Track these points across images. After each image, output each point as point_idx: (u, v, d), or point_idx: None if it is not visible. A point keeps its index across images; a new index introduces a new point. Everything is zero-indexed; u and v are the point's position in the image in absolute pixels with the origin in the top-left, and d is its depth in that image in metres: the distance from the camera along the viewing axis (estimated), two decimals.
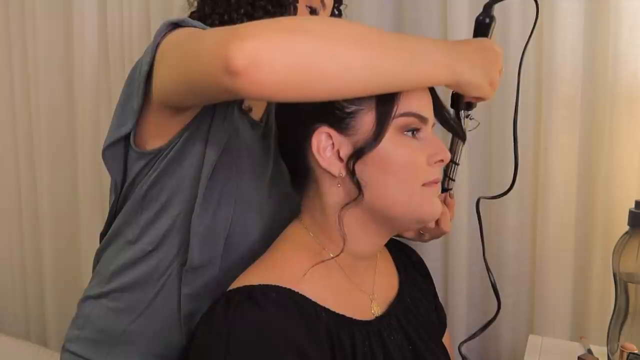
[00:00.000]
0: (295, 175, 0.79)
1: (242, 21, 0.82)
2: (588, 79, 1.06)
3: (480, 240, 0.90)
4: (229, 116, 0.79)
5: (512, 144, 0.81)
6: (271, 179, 0.85)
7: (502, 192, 0.88)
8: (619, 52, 1.02)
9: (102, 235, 0.89)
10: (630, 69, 1.02)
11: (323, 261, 0.73)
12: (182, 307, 0.81)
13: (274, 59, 0.57)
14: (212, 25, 0.82)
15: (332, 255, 0.74)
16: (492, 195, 0.91)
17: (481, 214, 0.90)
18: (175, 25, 0.74)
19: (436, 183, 0.75)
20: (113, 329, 0.84)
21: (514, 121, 0.81)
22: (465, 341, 0.79)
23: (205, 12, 0.84)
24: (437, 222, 0.86)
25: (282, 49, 0.58)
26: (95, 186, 1.62)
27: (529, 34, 0.80)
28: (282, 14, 0.83)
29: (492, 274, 0.78)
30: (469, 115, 0.84)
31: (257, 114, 0.87)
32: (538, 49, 1.08)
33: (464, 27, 1.11)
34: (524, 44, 1.08)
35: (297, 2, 0.85)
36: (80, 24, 1.55)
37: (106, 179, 1.43)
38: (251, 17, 0.82)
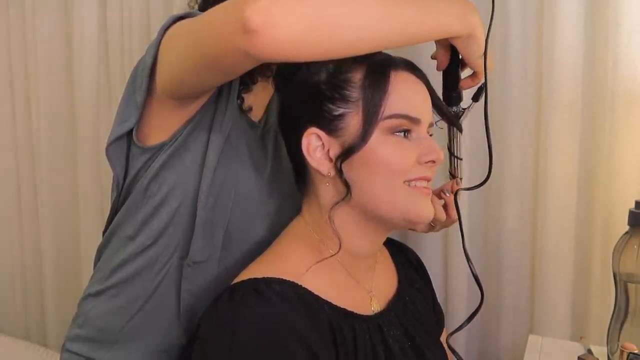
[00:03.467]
0: (297, 174, 0.81)
1: None
2: (588, 82, 1.06)
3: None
4: (230, 107, 0.80)
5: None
6: (270, 180, 0.85)
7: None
8: (619, 55, 1.02)
9: (104, 233, 0.89)
10: (629, 72, 1.02)
11: (325, 259, 0.74)
12: (182, 302, 0.81)
13: (288, 14, 0.58)
14: None
15: (332, 252, 0.75)
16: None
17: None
18: (180, 18, 0.74)
19: (427, 181, 0.75)
20: (112, 327, 0.84)
21: (485, 115, 0.78)
22: (452, 333, 0.79)
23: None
24: (446, 212, 0.85)
25: (295, 4, 0.58)
26: (95, 186, 1.62)
27: (488, 29, 0.79)
28: None
29: (472, 264, 0.78)
30: (467, 107, 0.84)
31: (256, 114, 0.87)
32: (538, 52, 1.08)
33: None
34: (524, 44, 1.10)
35: None
36: (80, 24, 1.55)
37: (106, 179, 1.43)
38: None
